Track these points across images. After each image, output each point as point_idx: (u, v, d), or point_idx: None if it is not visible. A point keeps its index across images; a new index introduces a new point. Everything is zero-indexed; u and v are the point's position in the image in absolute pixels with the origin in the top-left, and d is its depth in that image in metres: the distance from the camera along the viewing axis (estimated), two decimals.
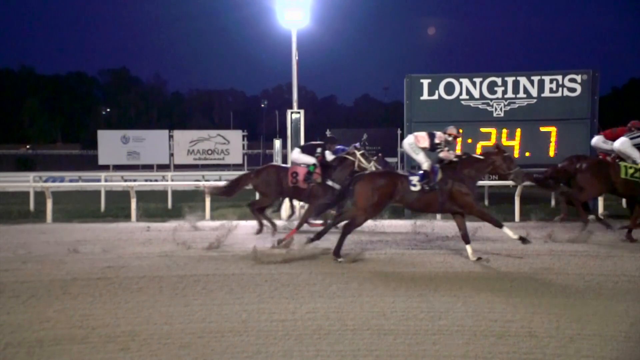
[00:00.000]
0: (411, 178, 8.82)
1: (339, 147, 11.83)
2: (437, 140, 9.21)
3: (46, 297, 6.51)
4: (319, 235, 8.83)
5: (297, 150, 11.79)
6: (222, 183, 13.76)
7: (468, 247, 8.56)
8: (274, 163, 12.10)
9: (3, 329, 5.45)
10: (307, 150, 11.63)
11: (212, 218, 13.94)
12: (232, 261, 8.42)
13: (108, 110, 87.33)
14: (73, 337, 5.26)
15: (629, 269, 7.92)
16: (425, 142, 9.25)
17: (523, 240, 8.49)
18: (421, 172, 8.89)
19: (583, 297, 6.48)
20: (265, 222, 11.55)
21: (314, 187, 11.12)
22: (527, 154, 14.11)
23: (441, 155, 9.14)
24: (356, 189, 8.74)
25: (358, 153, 11.04)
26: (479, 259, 8.38)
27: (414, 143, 9.30)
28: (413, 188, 8.74)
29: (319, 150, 11.38)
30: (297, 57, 15.25)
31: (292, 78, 15.47)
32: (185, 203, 17.40)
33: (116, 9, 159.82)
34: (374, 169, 10.78)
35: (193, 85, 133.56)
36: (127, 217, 14.10)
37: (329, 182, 10.98)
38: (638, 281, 7.27)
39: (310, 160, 11.34)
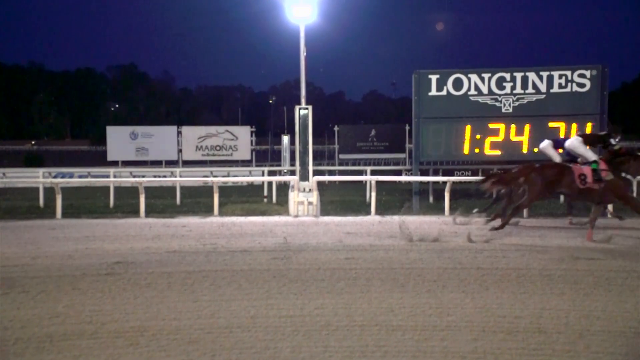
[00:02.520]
0: None
1: (560, 139, 11.67)
2: None
3: (55, 292, 6.54)
4: None
5: (577, 140, 10.83)
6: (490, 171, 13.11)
7: None
8: (557, 161, 11.10)
9: (13, 324, 5.48)
10: (591, 141, 10.83)
11: (221, 214, 13.96)
12: (240, 257, 8.44)
13: (117, 106, 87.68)
14: (82, 333, 5.28)
15: (638, 265, 7.88)
16: None
17: None
18: None
19: (592, 293, 6.45)
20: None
21: (609, 183, 10.23)
22: (535, 150, 14.01)
23: None
24: None
25: None
26: None
27: None
28: None
29: (613, 141, 10.60)
30: (305, 53, 15.23)
31: (300, 74, 15.45)
32: (194, 199, 17.50)
33: (124, 5, 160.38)
34: None
35: (201, 81, 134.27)
36: (136, 212, 14.14)
37: (624, 175, 10.35)
38: None
39: (592, 156, 10.50)
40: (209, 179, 17.40)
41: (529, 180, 10.38)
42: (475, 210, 11.91)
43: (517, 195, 10.76)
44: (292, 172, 17.74)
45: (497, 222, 10.65)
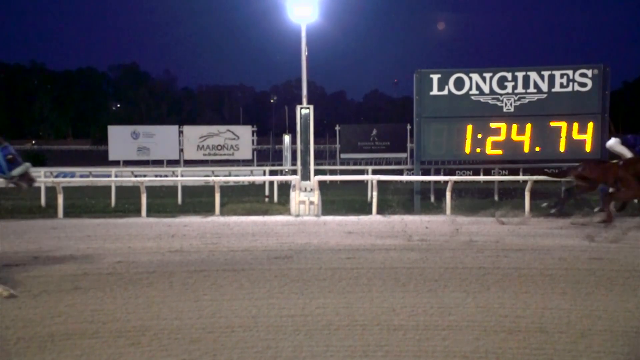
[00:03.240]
0: None
1: (629, 136, 11.78)
2: None
3: (57, 292, 6.54)
4: None
5: None
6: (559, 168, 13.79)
7: None
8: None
9: (15, 323, 5.47)
10: None
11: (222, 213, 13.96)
12: (241, 256, 8.44)
13: (118, 105, 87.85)
14: (84, 332, 5.28)
15: None
16: None
17: None
18: None
19: (594, 292, 6.44)
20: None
21: None
22: (537, 149, 14.03)
23: None
24: None
25: None
26: None
27: None
28: None
29: None
30: (306, 53, 15.21)
31: (301, 73, 15.44)
32: (195, 198, 17.51)
33: (126, 5, 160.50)
34: None
35: (203, 80, 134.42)
36: (137, 212, 14.14)
37: None
38: None
39: None
40: (210, 179, 17.43)
41: (622, 179, 10.57)
42: (545, 204, 12.22)
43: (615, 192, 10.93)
44: (294, 172, 17.74)
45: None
